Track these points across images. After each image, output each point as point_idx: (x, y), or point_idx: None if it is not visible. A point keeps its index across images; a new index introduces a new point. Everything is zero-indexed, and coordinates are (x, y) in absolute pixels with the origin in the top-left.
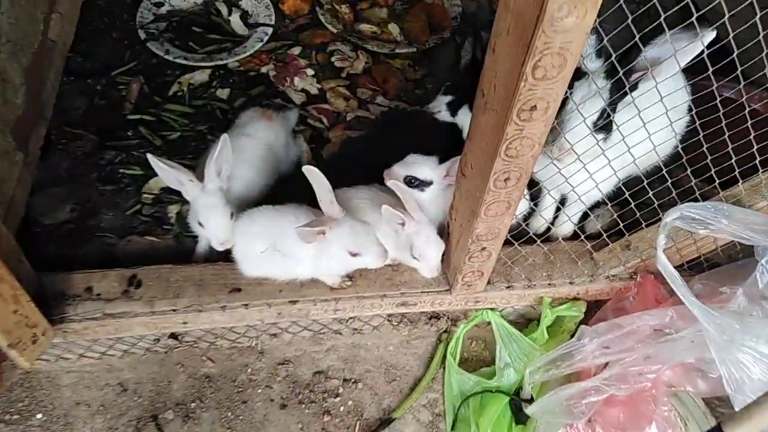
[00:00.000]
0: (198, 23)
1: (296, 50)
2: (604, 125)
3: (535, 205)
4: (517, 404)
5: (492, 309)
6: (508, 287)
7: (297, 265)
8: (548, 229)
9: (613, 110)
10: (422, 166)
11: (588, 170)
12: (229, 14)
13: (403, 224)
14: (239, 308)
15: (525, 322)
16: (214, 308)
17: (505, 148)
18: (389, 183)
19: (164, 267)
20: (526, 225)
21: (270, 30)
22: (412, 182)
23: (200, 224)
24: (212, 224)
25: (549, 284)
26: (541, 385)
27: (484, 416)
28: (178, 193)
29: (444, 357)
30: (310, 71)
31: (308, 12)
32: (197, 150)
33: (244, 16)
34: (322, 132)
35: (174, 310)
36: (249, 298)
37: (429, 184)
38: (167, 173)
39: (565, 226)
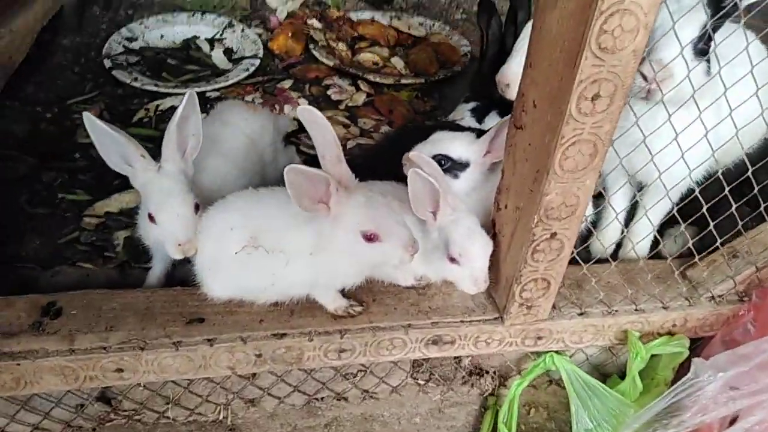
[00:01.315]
0: (175, 57)
1: (287, 83)
2: (703, 50)
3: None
4: None
5: (558, 353)
6: (581, 314)
7: (287, 267)
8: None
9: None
10: (455, 143)
11: (676, 130)
12: (211, 50)
13: (434, 213)
14: (200, 345)
15: (601, 378)
16: (164, 345)
17: (596, 37)
18: (411, 170)
19: (96, 292)
20: (587, 251)
21: (257, 62)
22: (442, 165)
23: (151, 218)
24: (168, 216)
25: (635, 310)
26: None
27: None
28: (130, 216)
29: (494, 429)
30: (303, 101)
31: (300, 54)
32: None
33: (228, 52)
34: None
35: (104, 349)
36: (215, 330)
37: (465, 166)
38: (108, 145)
39: (638, 249)
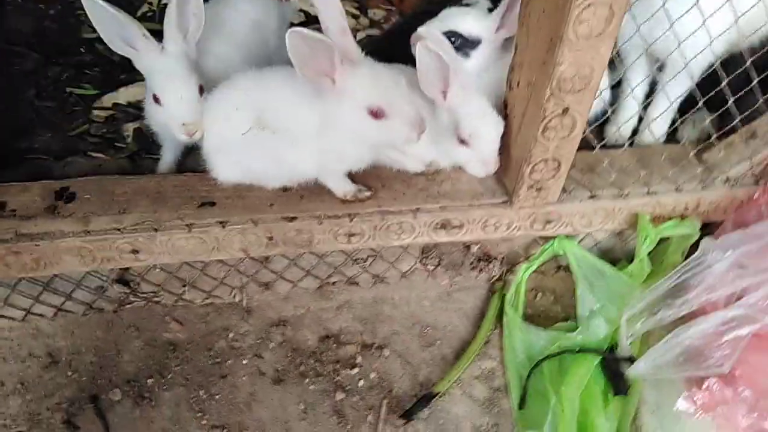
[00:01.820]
0: None
1: None
2: None
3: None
4: (613, 366)
5: (567, 237)
6: (592, 197)
7: (293, 148)
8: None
9: None
10: (465, 18)
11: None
12: None
13: (444, 93)
14: (213, 227)
15: (611, 263)
16: (177, 227)
17: None
18: (419, 44)
19: (107, 178)
20: (601, 137)
21: None
22: (452, 43)
23: (156, 100)
24: (172, 96)
25: (647, 193)
26: (644, 337)
27: (567, 385)
28: (138, 108)
29: (500, 312)
30: (293, 3)
31: None
32: None
33: None
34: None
35: (118, 230)
36: (226, 213)
37: (476, 43)
38: (109, 25)
39: (654, 128)
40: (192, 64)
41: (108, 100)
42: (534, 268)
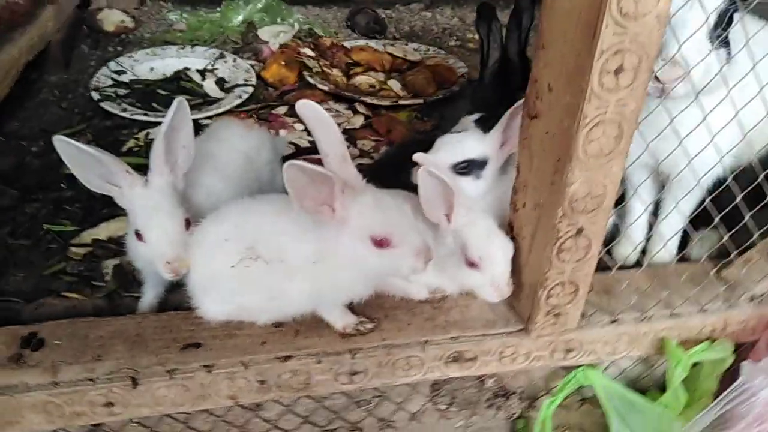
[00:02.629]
0: (165, 89)
1: (282, 109)
2: (722, 37)
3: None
4: None
5: (591, 367)
6: (613, 321)
7: (288, 279)
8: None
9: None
10: (468, 142)
11: (704, 111)
12: (203, 80)
13: (448, 217)
14: (198, 372)
15: (640, 393)
16: (157, 374)
17: (617, 2)
18: (422, 169)
19: (81, 320)
20: (609, 255)
21: (250, 89)
22: (464, 170)
23: (138, 236)
24: (155, 231)
25: (671, 315)
26: None
27: None
28: (119, 244)
29: None
30: (299, 126)
31: (294, 82)
32: None
33: (220, 81)
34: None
35: (91, 380)
36: (213, 355)
37: (484, 163)
38: (87, 166)
39: (666, 249)
40: (178, 197)
41: (87, 236)
42: (558, 402)
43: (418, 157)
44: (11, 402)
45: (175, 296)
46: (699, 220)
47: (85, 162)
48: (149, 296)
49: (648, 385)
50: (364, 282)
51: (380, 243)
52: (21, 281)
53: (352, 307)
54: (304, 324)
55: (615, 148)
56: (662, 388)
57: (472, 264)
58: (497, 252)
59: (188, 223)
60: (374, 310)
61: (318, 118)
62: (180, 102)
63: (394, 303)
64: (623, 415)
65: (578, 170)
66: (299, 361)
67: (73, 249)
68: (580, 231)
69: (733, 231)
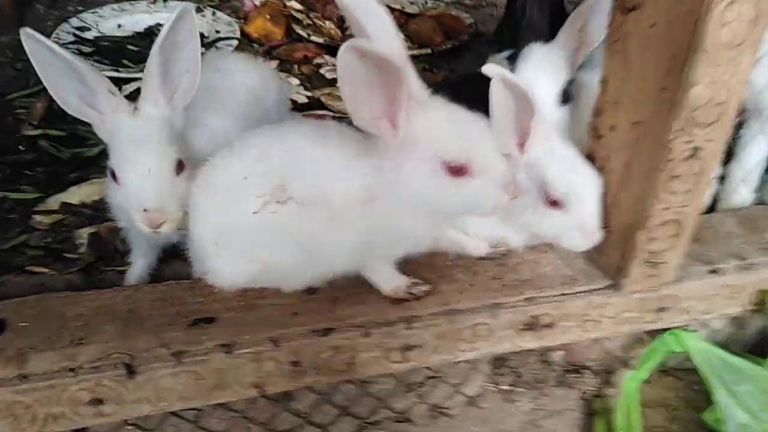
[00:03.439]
0: (137, 45)
1: (272, 64)
2: None
3: None
4: None
5: (684, 330)
6: (712, 272)
7: (329, 227)
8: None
9: None
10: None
11: None
12: None
13: (521, 146)
14: (213, 355)
15: None
16: (160, 359)
17: None
18: (497, 76)
19: (54, 296)
20: None
21: (234, 43)
22: None
23: (114, 177)
24: (134, 171)
25: None
26: None
27: None
28: (96, 209)
29: None
30: (294, 80)
31: (281, 38)
32: None
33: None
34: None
35: (71, 371)
36: (232, 332)
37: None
38: (62, 78)
39: (747, 191)
40: (173, 134)
41: (54, 202)
42: (642, 375)
43: (490, 68)
44: None
45: (171, 267)
46: None
47: (59, 73)
48: (138, 267)
49: (736, 349)
50: (428, 227)
51: (457, 171)
52: None
53: (398, 268)
54: (342, 290)
55: (748, 37)
56: (754, 352)
57: (554, 203)
58: (587, 187)
59: (181, 166)
60: (424, 269)
61: (365, 6)
62: (185, 7)
63: (447, 261)
64: (729, 386)
65: (703, 66)
66: (342, 335)
67: (38, 218)
68: (695, 152)
69: None
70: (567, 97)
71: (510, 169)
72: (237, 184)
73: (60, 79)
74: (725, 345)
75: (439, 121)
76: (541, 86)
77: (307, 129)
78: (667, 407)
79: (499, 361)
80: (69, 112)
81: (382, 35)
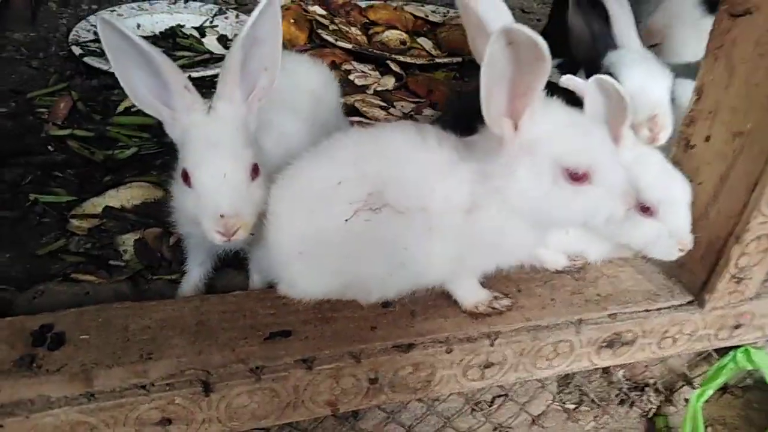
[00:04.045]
0: (159, 45)
1: None
2: None
3: None
4: None
5: (755, 348)
6: None
7: (429, 237)
8: None
9: None
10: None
11: None
12: (202, 37)
13: None
14: (293, 371)
15: None
16: (237, 375)
17: None
18: (594, 78)
19: (115, 306)
20: None
21: None
22: None
23: (186, 179)
24: (210, 173)
25: None
26: None
27: None
28: (140, 213)
29: None
30: None
31: (305, 43)
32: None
33: (223, 39)
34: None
35: (143, 388)
36: (312, 346)
37: None
38: (136, 69)
39: None
40: (248, 136)
41: (91, 206)
42: (710, 392)
43: (569, 80)
44: (24, 426)
45: (224, 279)
46: None
47: (134, 65)
48: (194, 276)
49: None
50: (531, 238)
51: (578, 178)
52: (8, 264)
53: None
54: (419, 303)
55: None
56: None
57: (646, 210)
58: (680, 192)
59: (256, 171)
60: (501, 283)
61: (489, 3)
62: (270, 0)
63: (524, 275)
64: None
65: None
66: (424, 351)
67: (75, 222)
68: None
69: None
70: None
71: (627, 178)
72: (327, 190)
73: (134, 72)
74: None
75: (561, 125)
76: (653, 90)
77: (404, 131)
78: (727, 425)
79: (564, 380)
80: (139, 106)
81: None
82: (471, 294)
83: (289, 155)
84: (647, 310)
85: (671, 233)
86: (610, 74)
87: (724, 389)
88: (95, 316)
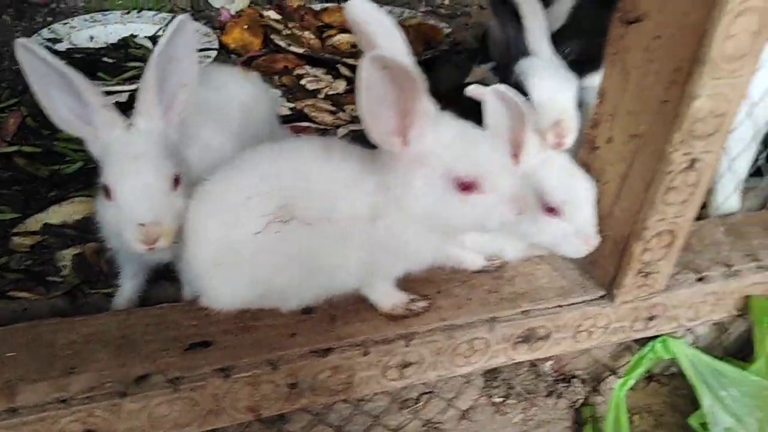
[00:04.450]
0: (111, 57)
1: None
2: None
3: None
4: None
5: (672, 337)
6: (700, 279)
7: (336, 246)
8: None
9: None
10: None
11: None
12: (155, 46)
13: (516, 156)
14: (211, 379)
15: None
16: (156, 386)
17: None
18: (491, 89)
19: (44, 323)
20: None
21: (213, 53)
22: None
23: (107, 193)
24: (129, 184)
25: (757, 267)
26: None
27: None
28: (79, 229)
29: None
30: (274, 91)
31: (259, 48)
32: None
33: None
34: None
35: (63, 402)
36: (230, 355)
37: None
38: (55, 89)
39: (730, 201)
40: (168, 148)
41: (35, 222)
42: (632, 382)
43: (474, 89)
44: None
45: (159, 291)
46: None
47: (52, 85)
48: (127, 289)
49: (718, 354)
50: (434, 244)
51: (467, 187)
52: None
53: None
54: (339, 308)
55: (750, 49)
56: (740, 355)
57: (551, 210)
58: (583, 192)
59: (177, 181)
60: (422, 285)
61: (376, 21)
62: (183, 20)
63: (444, 276)
64: (714, 389)
65: (707, 79)
66: (342, 355)
67: (17, 239)
68: (692, 163)
69: None
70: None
71: (519, 184)
72: (239, 204)
73: (53, 92)
74: (708, 350)
75: (450, 137)
76: (559, 96)
77: (311, 146)
78: (653, 413)
79: (491, 374)
80: (61, 127)
81: (394, 49)
82: (387, 297)
83: (214, 168)
84: (559, 306)
85: (577, 232)
86: (520, 81)
87: (650, 377)
88: (25, 332)
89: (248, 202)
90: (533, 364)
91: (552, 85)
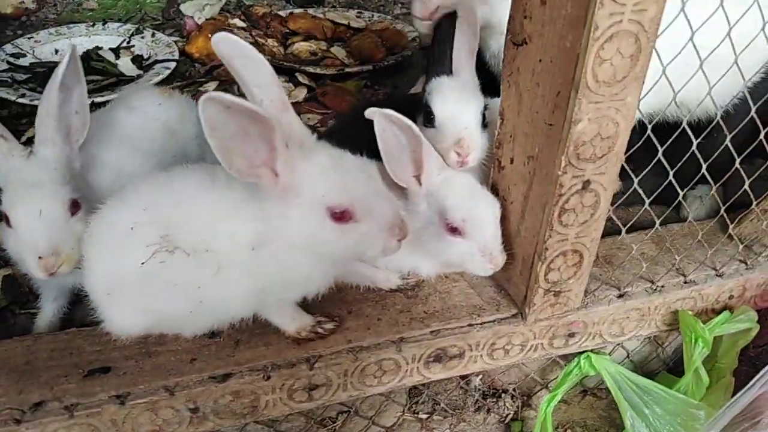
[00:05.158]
0: None
1: (211, 86)
2: None
3: None
4: None
5: (596, 353)
6: (621, 296)
7: (218, 274)
8: None
9: None
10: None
11: None
12: (117, 59)
13: (418, 178)
14: (107, 406)
15: (648, 377)
16: (52, 412)
17: None
18: (380, 114)
19: None
20: None
21: (172, 65)
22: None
23: (6, 220)
24: (25, 213)
25: (684, 283)
26: None
27: None
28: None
29: None
30: None
31: None
32: None
33: (138, 59)
34: None
35: None
36: (127, 381)
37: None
38: None
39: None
40: (67, 174)
41: None
42: (559, 396)
43: (372, 112)
44: None
45: (84, 312)
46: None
47: None
48: (48, 312)
49: (656, 366)
50: (320, 270)
51: (340, 217)
52: None
53: (306, 305)
54: (245, 331)
55: (630, 71)
56: (674, 369)
57: (454, 230)
58: (484, 211)
59: (76, 206)
60: (335, 305)
61: (243, 55)
62: (72, 51)
63: (358, 295)
64: (638, 407)
65: (585, 102)
66: (241, 380)
67: None
68: (586, 184)
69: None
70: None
71: (397, 210)
72: (124, 235)
73: None
74: (644, 364)
75: (322, 168)
76: (461, 116)
77: (194, 174)
78: (587, 427)
79: (416, 390)
80: None
81: (262, 83)
82: (291, 321)
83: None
84: (470, 325)
85: (482, 250)
86: (428, 100)
87: (585, 391)
88: None
89: (132, 232)
90: (465, 379)
91: (454, 104)
